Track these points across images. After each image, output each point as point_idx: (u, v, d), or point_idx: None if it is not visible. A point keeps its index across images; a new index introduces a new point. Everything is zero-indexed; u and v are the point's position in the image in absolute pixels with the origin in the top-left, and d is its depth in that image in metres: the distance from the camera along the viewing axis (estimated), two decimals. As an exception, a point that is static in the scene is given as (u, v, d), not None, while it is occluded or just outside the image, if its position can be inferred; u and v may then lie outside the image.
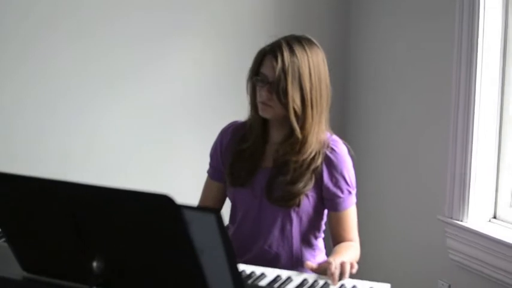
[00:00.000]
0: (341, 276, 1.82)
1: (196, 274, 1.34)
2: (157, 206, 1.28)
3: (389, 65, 3.38)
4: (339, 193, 2.09)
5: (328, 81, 2.10)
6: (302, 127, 2.04)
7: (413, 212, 3.28)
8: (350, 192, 2.12)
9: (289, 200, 2.07)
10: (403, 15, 3.27)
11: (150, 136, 3.22)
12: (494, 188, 2.94)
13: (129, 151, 3.17)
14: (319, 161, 2.07)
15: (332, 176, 2.08)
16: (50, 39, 2.93)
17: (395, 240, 3.42)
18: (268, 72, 2.03)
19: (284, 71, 1.99)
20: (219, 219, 1.26)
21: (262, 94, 2.05)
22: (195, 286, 1.36)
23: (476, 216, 2.93)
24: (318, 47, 2.10)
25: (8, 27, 2.84)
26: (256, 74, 2.07)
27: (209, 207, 1.43)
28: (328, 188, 2.09)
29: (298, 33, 2.13)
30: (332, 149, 2.09)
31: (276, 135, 2.14)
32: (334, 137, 2.14)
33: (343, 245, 2.10)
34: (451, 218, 2.97)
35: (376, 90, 3.49)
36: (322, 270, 1.86)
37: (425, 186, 3.19)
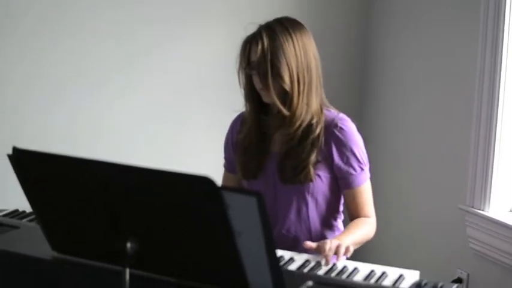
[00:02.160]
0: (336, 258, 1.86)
1: (232, 256, 1.34)
2: (198, 188, 1.27)
3: (411, 60, 3.35)
4: (351, 170, 2.09)
5: (316, 53, 2.11)
6: (291, 102, 2.06)
7: (434, 201, 3.26)
8: (362, 169, 2.12)
9: (299, 174, 2.07)
10: (425, 14, 3.25)
11: (161, 121, 3.22)
12: (516, 178, 2.93)
13: (138, 136, 3.17)
14: (317, 131, 2.08)
15: (342, 155, 2.08)
16: (59, 23, 2.93)
17: (415, 228, 3.40)
18: (254, 59, 2.05)
19: (264, 53, 2.02)
20: (261, 202, 1.25)
21: (257, 82, 2.07)
22: (231, 268, 1.36)
23: (497, 206, 2.90)
24: (301, 24, 2.12)
25: (13, 14, 2.83)
26: (248, 65, 2.09)
27: (251, 190, 1.42)
28: (339, 167, 2.09)
29: (291, 17, 2.15)
30: (340, 127, 2.10)
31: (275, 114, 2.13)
32: (342, 115, 2.15)
33: (356, 221, 2.12)
34: (472, 207, 2.95)
35: (399, 78, 3.46)
36: (320, 250, 1.88)
37: (446, 175, 3.17)
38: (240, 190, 1.27)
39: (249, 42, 2.07)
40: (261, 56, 2.02)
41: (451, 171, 3.14)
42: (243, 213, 1.28)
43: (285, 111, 2.06)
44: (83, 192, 1.45)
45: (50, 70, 2.94)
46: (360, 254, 2.07)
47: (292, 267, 1.79)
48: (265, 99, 2.09)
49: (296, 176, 2.08)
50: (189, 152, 3.28)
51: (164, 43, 3.17)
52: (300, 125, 2.07)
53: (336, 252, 1.86)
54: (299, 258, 1.84)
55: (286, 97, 2.06)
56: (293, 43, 2.05)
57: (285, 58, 2.03)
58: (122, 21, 3.04)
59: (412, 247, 3.42)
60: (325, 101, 2.16)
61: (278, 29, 2.05)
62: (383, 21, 3.52)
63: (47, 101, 2.96)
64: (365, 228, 2.10)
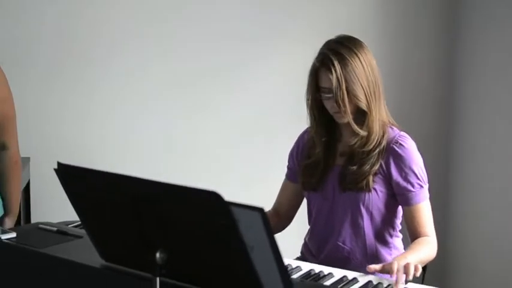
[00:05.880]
0: (405, 277, 1.82)
1: (248, 270, 1.39)
2: (207, 202, 1.34)
3: (499, 75, 3.30)
4: (410, 187, 2.12)
5: (377, 66, 2.17)
6: (369, 121, 2.12)
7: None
8: (421, 186, 2.14)
9: (359, 182, 2.13)
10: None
11: (248, 136, 3.32)
12: None
13: (223, 151, 3.33)
14: (383, 143, 2.14)
15: (401, 171, 2.12)
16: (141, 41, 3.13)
17: (493, 244, 3.32)
18: (328, 85, 2.11)
19: (339, 81, 2.08)
20: (264, 216, 1.30)
21: (332, 106, 2.13)
22: (248, 281, 1.41)
23: None
24: (358, 40, 2.17)
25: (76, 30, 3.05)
26: (317, 91, 2.16)
27: (254, 205, 1.43)
28: (398, 183, 2.13)
29: (346, 34, 2.20)
30: (400, 144, 2.14)
31: (346, 133, 2.21)
32: (403, 132, 2.19)
33: (419, 241, 2.12)
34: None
35: (487, 92, 3.41)
36: (386, 271, 1.86)
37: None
38: (245, 205, 1.32)
39: (317, 70, 2.15)
40: (336, 84, 2.09)
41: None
42: (252, 228, 1.34)
43: (362, 132, 2.12)
44: (117, 205, 1.55)
45: (132, 87, 3.15)
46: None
47: (328, 282, 1.82)
48: (340, 120, 2.16)
49: (356, 184, 2.14)
50: (276, 166, 3.36)
51: (250, 60, 3.28)
52: (377, 141, 2.14)
53: (405, 272, 1.84)
54: (337, 274, 1.87)
55: (360, 116, 2.13)
56: (361, 63, 2.12)
57: (359, 80, 2.10)
58: (206, 39, 3.20)
59: (489, 266, 3.34)
60: (389, 116, 2.21)
61: (345, 51, 2.11)
62: (469, 34, 3.48)
63: (108, 114, 3.16)
64: (428, 247, 2.11)
